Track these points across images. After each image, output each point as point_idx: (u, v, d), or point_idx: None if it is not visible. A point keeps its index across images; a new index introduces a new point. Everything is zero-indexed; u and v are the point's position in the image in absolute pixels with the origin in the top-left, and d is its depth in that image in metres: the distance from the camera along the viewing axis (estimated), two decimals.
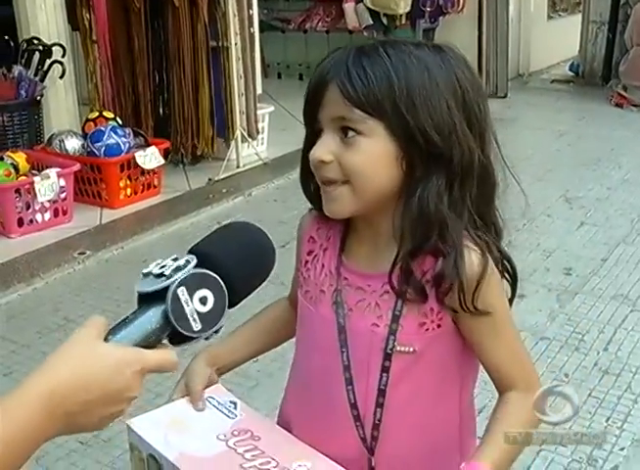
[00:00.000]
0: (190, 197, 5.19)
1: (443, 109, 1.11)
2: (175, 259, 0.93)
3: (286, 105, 7.22)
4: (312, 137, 1.18)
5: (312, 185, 1.24)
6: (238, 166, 5.58)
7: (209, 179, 5.37)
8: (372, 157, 1.11)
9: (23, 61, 5.10)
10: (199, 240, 1.00)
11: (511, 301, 1.24)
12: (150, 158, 4.98)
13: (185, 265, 0.91)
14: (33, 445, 0.78)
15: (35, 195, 4.47)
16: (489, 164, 1.17)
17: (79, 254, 4.25)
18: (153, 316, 0.89)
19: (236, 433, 1.22)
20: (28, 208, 4.49)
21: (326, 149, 1.13)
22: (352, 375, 1.21)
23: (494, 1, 7.88)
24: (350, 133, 1.11)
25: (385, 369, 1.18)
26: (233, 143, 5.56)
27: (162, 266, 0.91)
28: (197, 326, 0.91)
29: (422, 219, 1.12)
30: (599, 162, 5.85)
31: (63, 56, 5.12)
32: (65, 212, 4.68)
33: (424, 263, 1.14)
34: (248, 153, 5.72)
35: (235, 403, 1.29)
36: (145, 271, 0.93)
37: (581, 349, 3.26)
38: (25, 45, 5.11)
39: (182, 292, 0.90)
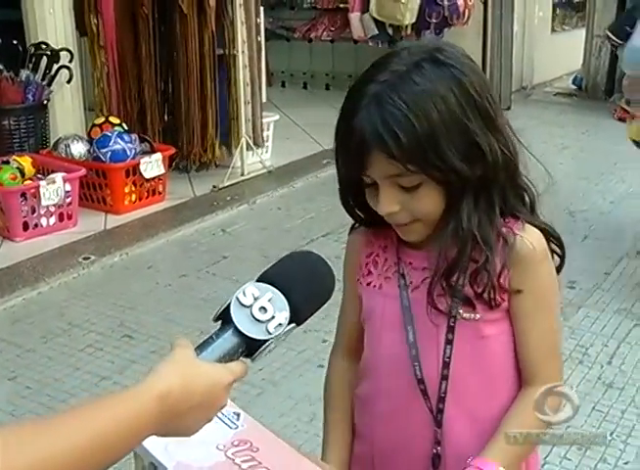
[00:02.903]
0: (194, 204, 5.20)
1: (467, 136, 1.18)
2: (270, 300, 1.01)
3: (290, 114, 7.25)
4: (356, 176, 1.24)
5: (352, 202, 1.32)
6: (242, 174, 5.59)
7: (214, 186, 5.39)
8: (432, 197, 1.21)
9: (31, 65, 5.12)
10: (279, 270, 1.06)
11: (559, 268, 1.32)
12: (152, 165, 4.99)
13: (284, 324, 1.01)
14: (141, 437, 0.90)
15: (41, 199, 4.48)
16: (510, 153, 1.23)
17: (84, 259, 4.26)
18: (238, 345, 1.00)
19: (236, 443, 1.23)
20: (34, 212, 4.50)
21: (391, 202, 1.21)
22: (419, 351, 1.28)
23: (499, 14, 7.91)
24: (408, 184, 1.19)
25: (448, 341, 1.26)
26: (238, 151, 5.57)
27: (262, 309, 1.00)
28: (261, 358, 1.02)
29: (457, 242, 1.22)
30: (602, 175, 5.87)
31: (70, 61, 5.15)
32: (70, 217, 4.69)
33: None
34: (252, 161, 5.73)
35: (238, 414, 1.30)
36: (242, 301, 1.00)
37: (585, 362, 3.27)
38: (33, 49, 5.14)
39: (272, 344, 1.01)
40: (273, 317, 1.00)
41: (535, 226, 1.27)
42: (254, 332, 0.99)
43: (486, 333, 1.26)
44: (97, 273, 4.21)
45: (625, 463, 2.64)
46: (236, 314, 1.00)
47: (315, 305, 1.07)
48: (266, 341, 1.00)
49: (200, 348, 0.99)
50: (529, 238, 1.24)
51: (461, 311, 1.24)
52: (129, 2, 5.45)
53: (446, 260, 1.23)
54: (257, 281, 1.04)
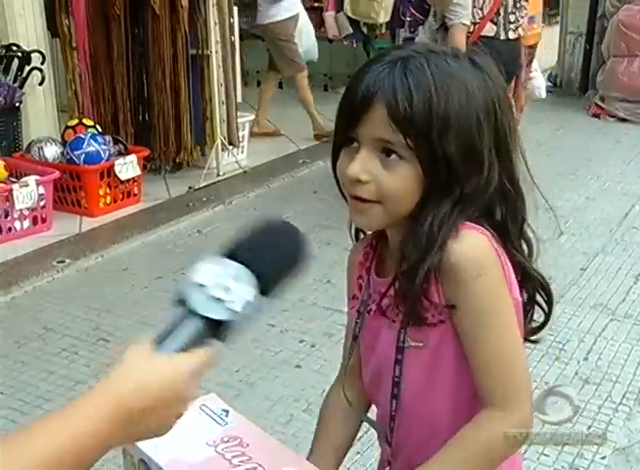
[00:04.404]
0: (170, 205, 5.17)
1: (475, 140, 1.12)
2: (234, 276, 0.91)
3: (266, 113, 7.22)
4: (341, 144, 1.17)
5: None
6: (218, 175, 5.57)
7: (190, 187, 5.36)
8: (408, 181, 1.12)
9: (2, 67, 5.06)
10: (241, 241, 0.96)
11: (544, 324, 1.27)
12: (127, 167, 4.96)
13: (250, 300, 0.91)
14: (99, 452, 0.85)
15: (14, 203, 4.43)
16: (517, 185, 1.19)
17: (59, 262, 4.21)
18: (203, 330, 0.91)
19: (225, 439, 1.24)
20: (7, 215, 4.45)
21: (364, 168, 1.12)
22: (381, 375, 1.25)
23: None
24: (393, 156, 1.11)
25: (397, 362, 1.20)
26: (213, 151, 5.55)
27: (224, 287, 0.90)
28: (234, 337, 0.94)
29: (426, 244, 1.12)
30: (577, 171, 5.90)
31: (42, 63, 5.10)
32: (44, 221, 4.64)
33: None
34: (228, 161, 5.71)
35: (227, 411, 1.30)
36: (200, 281, 0.91)
37: (562, 358, 3.28)
38: (4, 51, 5.08)
39: (242, 323, 0.92)
40: (234, 293, 0.90)
41: (532, 277, 1.22)
42: (215, 312, 0.89)
43: (434, 356, 1.18)
44: (72, 277, 4.17)
45: (602, 458, 2.65)
46: (194, 297, 0.90)
47: (286, 272, 0.97)
48: (233, 321, 0.90)
49: (159, 339, 0.90)
50: (463, 248, 1.11)
51: (408, 338, 1.18)
52: (101, 3, 5.41)
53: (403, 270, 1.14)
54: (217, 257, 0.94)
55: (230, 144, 5.63)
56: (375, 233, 1.29)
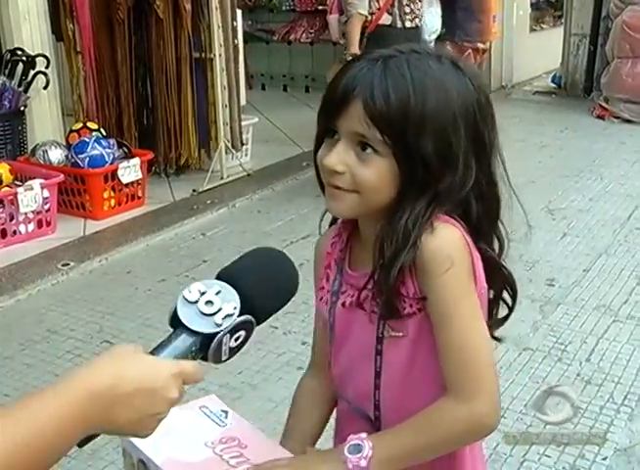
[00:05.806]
0: (174, 208, 5.19)
1: (451, 140, 1.14)
2: (218, 293, 1.00)
3: (270, 116, 7.26)
4: (324, 135, 1.20)
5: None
6: (222, 178, 5.59)
7: (194, 190, 5.38)
8: (383, 174, 1.15)
9: (7, 71, 5.09)
10: (231, 265, 1.06)
11: (505, 318, 1.30)
12: (129, 170, 4.98)
13: (233, 314, 0.99)
14: (72, 437, 0.86)
15: (19, 206, 4.45)
16: (494, 188, 1.22)
17: (63, 265, 4.23)
18: (191, 344, 0.99)
19: (224, 440, 1.25)
20: (12, 219, 4.47)
21: (340, 160, 1.16)
22: (350, 371, 1.28)
23: None
24: (368, 150, 1.15)
25: (378, 352, 1.23)
26: (217, 154, 5.57)
27: (209, 303, 0.99)
28: (224, 357, 1.02)
29: (402, 240, 1.15)
30: (581, 173, 5.90)
31: (47, 67, 5.12)
32: (48, 224, 4.66)
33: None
34: (232, 164, 5.73)
35: (226, 412, 1.31)
36: (188, 298, 0.99)
37: (564, 359, 3.28)
38: (9, 56, 5.11)
39: (226, 338, 0.99)
40: (220, 309, 0.99)
41: (500, 274, 1.25)
42: (203, 326, 0.98)
43: (414, 345, 1.21)
44: (76, 279, 4.19)
45: (604, 459, 2.65)
46: (182, 312, 0.99)
47: (273, 293, 1.06)
48: (217, 334, 0.98)
49: (152, 352, 0.98)
50: (437, 242, 1.15)
51: (388, 328, 1.21)
52: (105, 7, 5.44)
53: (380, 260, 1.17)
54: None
55: (233, 147, 5.65)
56: (343, 224, 1.32)
